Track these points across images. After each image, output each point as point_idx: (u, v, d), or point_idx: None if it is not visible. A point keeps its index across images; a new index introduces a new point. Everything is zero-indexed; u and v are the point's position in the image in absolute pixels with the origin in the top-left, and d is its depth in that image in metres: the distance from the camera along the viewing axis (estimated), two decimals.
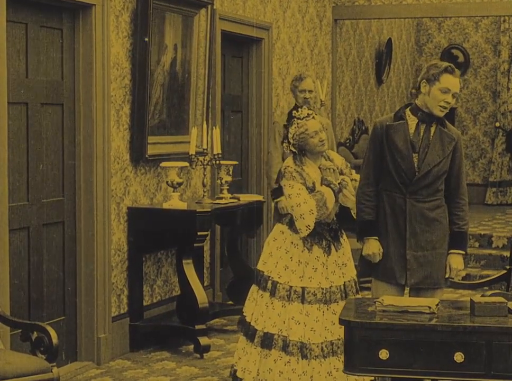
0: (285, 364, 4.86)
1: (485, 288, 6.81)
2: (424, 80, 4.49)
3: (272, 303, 4.94)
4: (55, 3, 5.48)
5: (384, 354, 3.71)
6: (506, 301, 3.90)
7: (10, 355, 4.33)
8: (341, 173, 5.01)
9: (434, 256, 4.55)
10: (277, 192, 5.97)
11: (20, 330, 4.52)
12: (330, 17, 9.68)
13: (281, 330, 4.88)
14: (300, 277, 4.90)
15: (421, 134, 4.52)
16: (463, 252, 4.60)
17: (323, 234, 4.95)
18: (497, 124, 12.42)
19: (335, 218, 4.99)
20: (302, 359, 4.85)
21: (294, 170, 4.93)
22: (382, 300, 3.94)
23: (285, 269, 4.93)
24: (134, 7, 6.08)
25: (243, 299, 6.79)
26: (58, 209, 5.64)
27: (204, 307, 6.09)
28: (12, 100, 5.10)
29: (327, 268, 4.93)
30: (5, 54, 4.94)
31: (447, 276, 4.58)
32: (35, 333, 4.40)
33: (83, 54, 5.69)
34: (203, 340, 6.09)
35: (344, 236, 5.05)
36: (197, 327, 6.09)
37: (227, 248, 7.20)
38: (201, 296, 6.08)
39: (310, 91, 6.74)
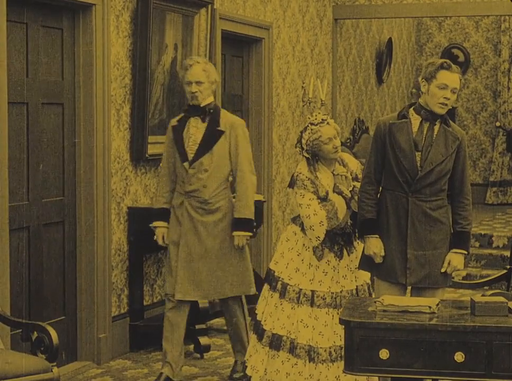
0: (292, 367, 4.86)
1: (485, 287, 6.82)
2: (423, 79, 4.51)
3: (281, 304, 4.93)
4: (55, 3, 5.48)
5: (384, 354, 3.71)
6: (506, 301, 3.90)
7: (10, 355, 4.33)
8: (356, 178, 4.95)
9: (435, 256, 4.55)
10: (152, 215, 5.42)
11: (20, 330, 4.52)
12: (330, 17, 9.67)
13: (289, 332, 4.88)
14: (310, 280, 4.89)
15: (424, 132, 4.52)
16: (465, 252, 4.60)
17: (336, 238, 4.93)
18: (497, 124, 12.42)
19: (349, 223, 4.96)
20: (309, 362, 4.84)
21: (306, 177, 4.89)
22: (382, 300, 3.94)
23: (296, 271, 4.92)
24: (134, 7, 6.08)
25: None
26: (59, 209, 5.64)
27: (205, 306, 6.09)
28: (12, 100, 5.10)
29: (338, 272, 4.91)
30: (5, 54, 4.94)
31: (443, 270, 4.56)
32: (35, 332, 4.39)
33: (83, 53, 5.69)
34: (204, 340, 6.09)
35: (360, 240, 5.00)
36: (197, 327, 6.10)
37: None
38: None
39: (198, 83, 5.22)
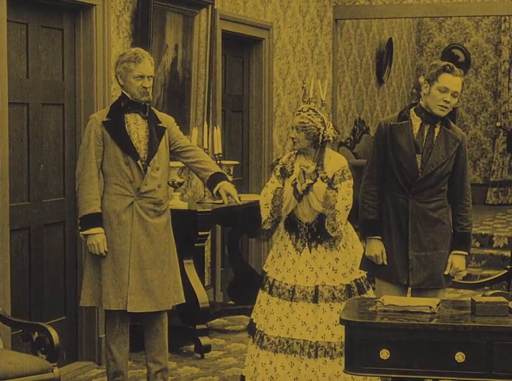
0: (253, 349, 5.03)
1: (486, 287, 6.82)
2: (425, 81, 4.50)
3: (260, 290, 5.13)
4: (55, 3, 5.48)
5: (385, 354, 3.70)
6: (507, 301, 3.90)
7: (11, 355, 4.33)
8: (330, 181, 4.90)
9: (436, 257, 4.55)
10: (85, 222, 4.84)
11: (21, 331, 4.52)
12: (330, 17, 9.68)
13: (255, 317, 5.07)
14: (276, 269, 5.01)
15: (425, 134, 4.51)
16: (466, 253, 4.60)
17: (301, 232, 4.98)
18: (498, 124, 12.42)
19: (316, 220, 4.96)
20: (257, 346, 4.97)
21: (282, 162, 5.04)
22: (383, 300, 3.94)
23: (271, 260, 5.08)
24: (135, 7, 6.08)
25: (243, 299, 6.83)
26: (59, 209, 5.64)
27: (205, 307, 6.10)
28: (12, 100, 5.10)
29: (297, 266, 4.96)
30: (5, 54, 4.94)
31: (446, 273, 4.57)
32: (36, 333, 4.39)
33: (83, 54, 5.69)
34: (204, 340, 6.10)
35: (336, 242, 4.95)
36: (197, 327, 6.10)
37: (227, 248, 7.20)
38: (202, 296, 6.08)
39: (150, 78, 4.80)
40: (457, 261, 4.57)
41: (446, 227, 4.59)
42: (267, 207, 4.97)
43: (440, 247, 4.56)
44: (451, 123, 4.59)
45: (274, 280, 4.98)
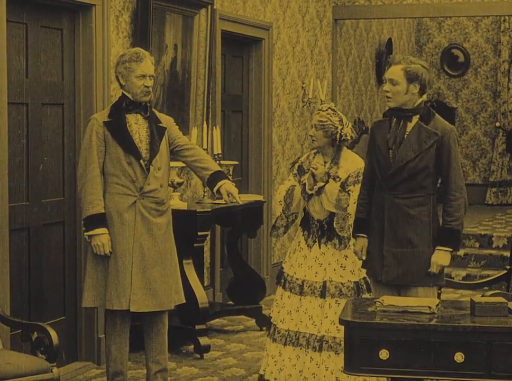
0: (267, 342, 5.20)
1: (485, 288, 6.81)
2: None
3: None
4: (55, 3, 5.48)
5: (384, 354, 3.71)
6: (506, 301, 3.90)
7: (11, 355, 4.33)
8: (343, 184, 4.96)
9: (412, 254, 4.45)
10: (89, 222, 4.83)
11: (20, 331, 4.52)
12: (330, 17, 9.67)
13: (273, 311, 5.23)
14: (291, 264, 5.15)
15: (398, 130, 4.54)
16: (450, 249, 4.47)
17: (313, 228, 5.08)
18: (497, 124, 12.42)
19: (327, 218, 5.03)
20: (270, 339, 5.13)
21: (301, 161, 5.18)
22: (382, 300, 3.94)
23: (288, 255, 5.22)
24: (134, 7, 6.08)
25: (243, 299, 6.83)
26: (59, 209, 5.64)
27: (205, 307, 6.10)
28: (12, 100, 5.10)
29: (308, 261, 5.07)
30: (5, 54, 4.94)
31: (429, 270, 4.50)
32: (35, 333, 4.40)
33: (83, 54, 5.69)
34: (204, 340, 6.10)
35: (342, 242, 5.02)
36: (197, 327, 6.10)
37: (227, 249, 7.19)
38: (201, 296, 6.08)
39: (151, 77, 4.82)
40: (437, 257, 4.44)
41: (425, 224, 4.48)
42: (281, 204, 5.13)
43: (419, 245, 4.46)
44: (435, 118, 4.52)
45: (287, 275, 5.11)
